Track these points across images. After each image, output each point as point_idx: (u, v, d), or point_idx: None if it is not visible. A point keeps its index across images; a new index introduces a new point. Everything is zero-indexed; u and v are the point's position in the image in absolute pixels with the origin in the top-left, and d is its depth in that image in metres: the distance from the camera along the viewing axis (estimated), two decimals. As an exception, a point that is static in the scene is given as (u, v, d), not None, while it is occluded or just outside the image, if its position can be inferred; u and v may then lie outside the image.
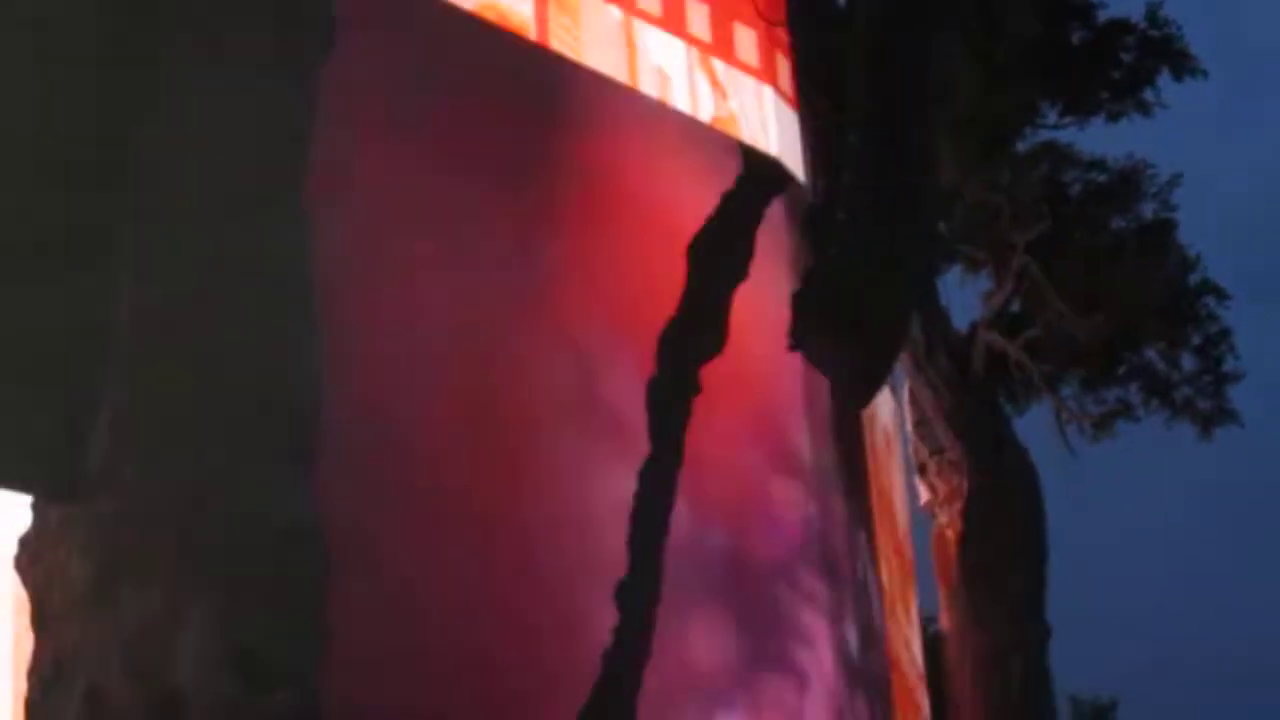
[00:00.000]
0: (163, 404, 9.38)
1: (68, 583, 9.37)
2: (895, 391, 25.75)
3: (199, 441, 9.38)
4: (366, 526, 11.54)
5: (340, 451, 10.45)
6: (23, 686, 9.68)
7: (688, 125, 19.77)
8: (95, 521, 9.35)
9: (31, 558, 9.71)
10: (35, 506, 9.80)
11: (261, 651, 9.17)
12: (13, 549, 10.06)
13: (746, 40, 21.22)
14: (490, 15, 17.84)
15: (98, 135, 9.54)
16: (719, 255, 19.29)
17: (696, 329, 18.77)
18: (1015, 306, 26.87)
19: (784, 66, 21.72)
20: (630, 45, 19.53)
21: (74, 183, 9.39)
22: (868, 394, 21.94)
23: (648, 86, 19.42)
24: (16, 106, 9.21)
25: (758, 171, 20.38)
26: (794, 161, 21.13)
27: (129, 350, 9.35)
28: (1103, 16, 26.52)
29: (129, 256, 9.47)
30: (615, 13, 19.50)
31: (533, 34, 18.42)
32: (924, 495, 26.25)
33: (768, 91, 21.36)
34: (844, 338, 19.94)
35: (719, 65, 20.73)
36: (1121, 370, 27.49)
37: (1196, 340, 27.33)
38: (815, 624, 19.56)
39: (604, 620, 16.96)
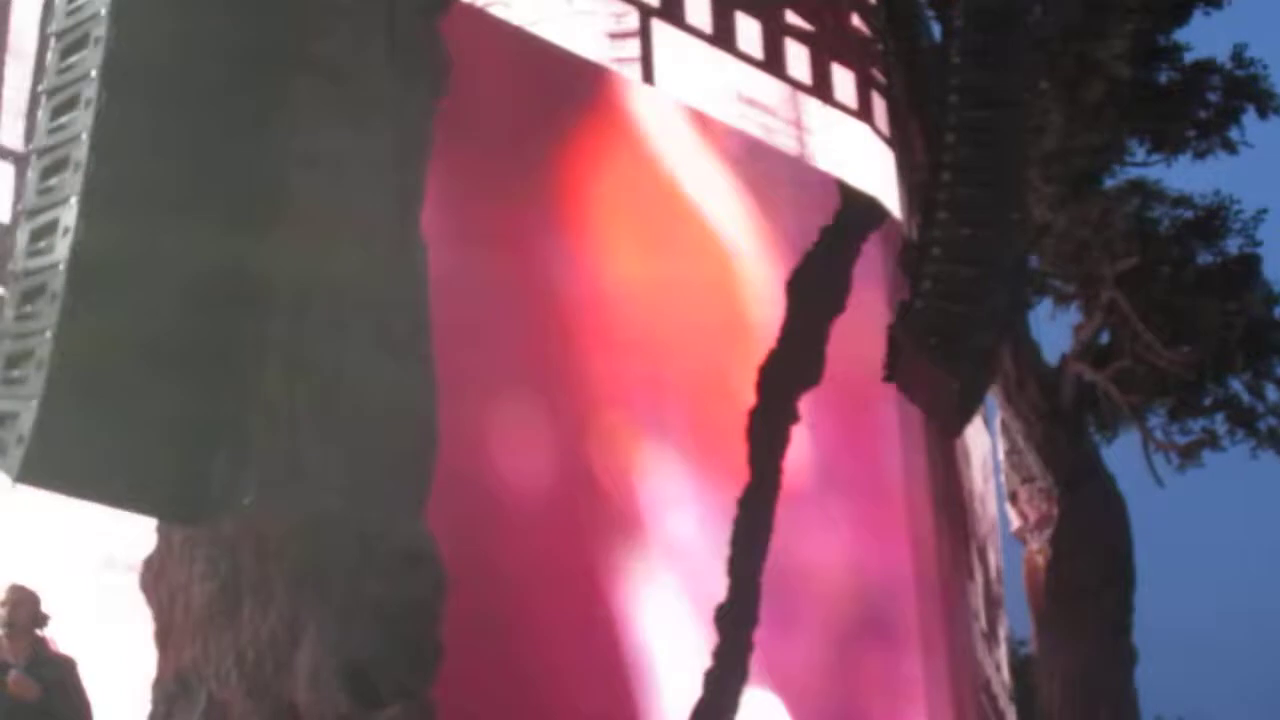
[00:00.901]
0: (285, 431, 9.39)
1: (189, 601, 9.40)
2: (987, 422, 25.69)
3: (320, 467, 9.39)
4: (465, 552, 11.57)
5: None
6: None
7: (790, 163, 19.80)
8: (217, 543, 9.38)
9: (155, 576, 9.75)
10: (159, 528, 9.84)
11: (375, 669, 9.17)
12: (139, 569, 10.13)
13: (844, 81, 21.20)
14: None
15: (236, 173, 9.55)
16: (817, 289, 19.31)
17: (795, 360, 18.78)
18: (1104, 339, 26.73)
19: (880, 106, 21.70)
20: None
21: (210, 214, 9.41)
22: (960, 424, 21.86)
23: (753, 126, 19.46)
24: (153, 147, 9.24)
25: (856, 208, 20.39)
26: (890, 199, 21.10)
27: (253, 377, 9.36)
28: (1189, 57, 26.41)
29: (256, 286, 9.48)
30: (717, 54, 19.55)
31: (639, 75, 18.50)
32: (1015, 522, 26.22)
33: (864, 130, 21.33)
34: (937, 370, 19.85)
35: (816, 105, 20.74)
36: (1207, 401, 27.29)
37: (1280, 372, 27.06)
38: (910, 643, 19.51)
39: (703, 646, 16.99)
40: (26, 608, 10.58)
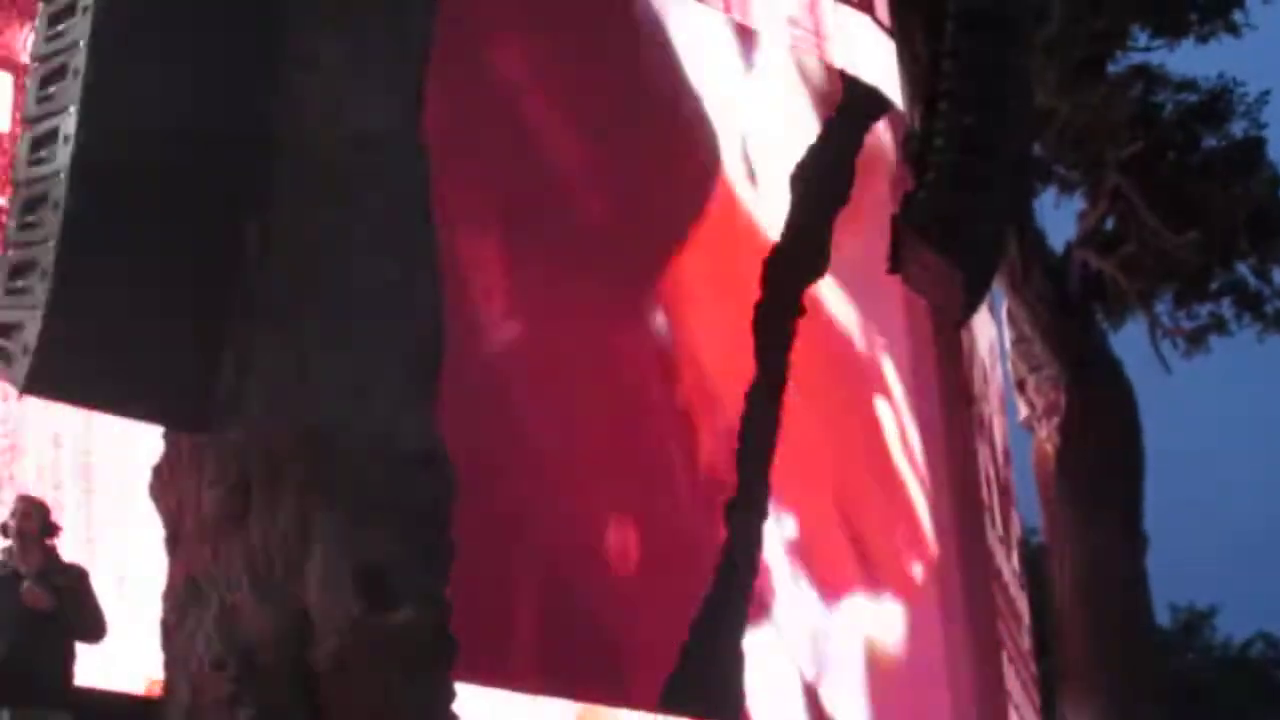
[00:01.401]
0: (290, 337, 9.40)
1: (199, 508, 9.42)
2: (994, 311, 25.70)
3: (326, 373, 9.39)
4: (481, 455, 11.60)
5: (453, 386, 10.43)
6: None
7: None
8: (225, 450, 9.39)
9: (164, 485, 9.76)
10: (166, 436, 9.85)
11: (386, 571, 9.19)
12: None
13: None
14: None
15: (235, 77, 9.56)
16: (821, 180, 19.32)
17: (800, 253, 18.81)
18: (1109, 225, 26.69)
19: (880, -4, 21.68)
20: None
21: (209, 120, 9.40)
22: (967, 313, 21.88)
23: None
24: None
25: (858, 99, 20.36)
26: (892, 89, 21.06)
27: (254, 284, 9.37)
28: (1191, -59, 26.25)
29: (259, 199, 9.48)
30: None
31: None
32: (1023, 411, 26.28)
33: (866, 21, 21.27)
34: (943, 259, 19.86)
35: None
36: (1214, 286, 27.26)
37: (1287, 254, 27.04)
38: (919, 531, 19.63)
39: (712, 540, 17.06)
40: (37, 518, 10.64)
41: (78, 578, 10.58)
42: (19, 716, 10.11)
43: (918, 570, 19.58)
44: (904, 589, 19.43)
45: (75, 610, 10.43)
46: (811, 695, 17.82)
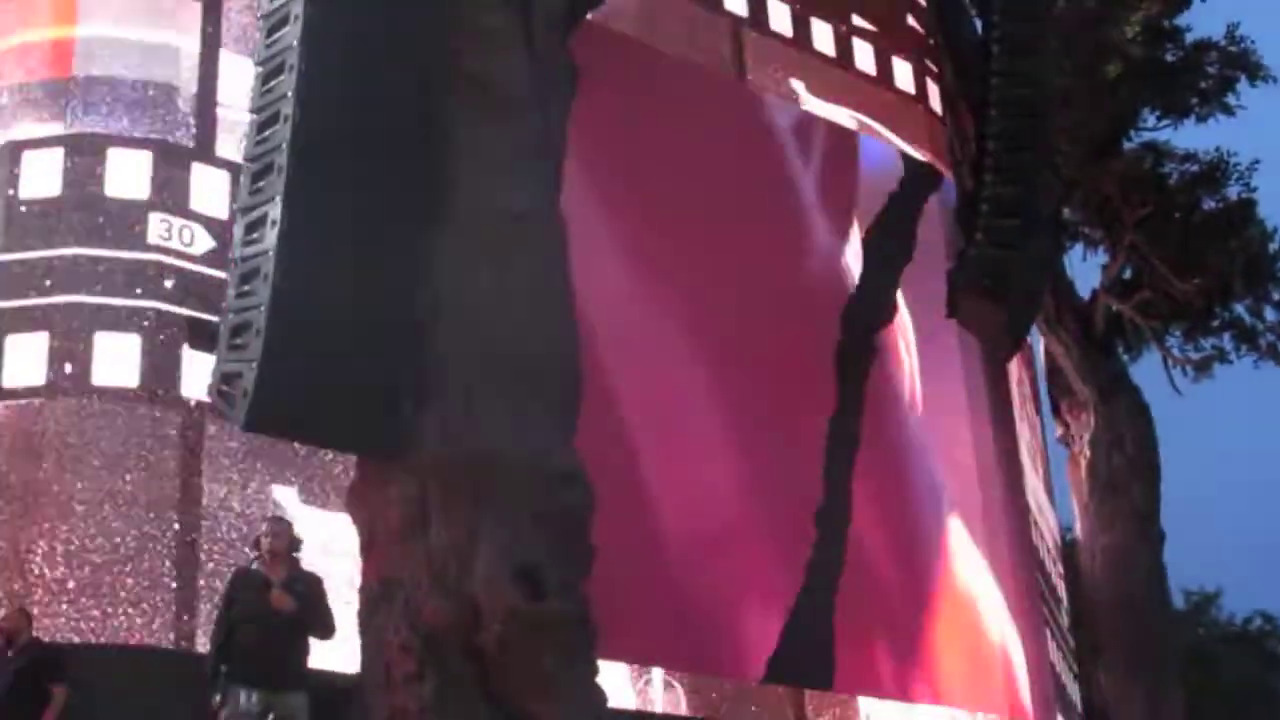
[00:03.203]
0: (460, 373, 9.44)
1: (387, 521, 9.45)
2: (1032, 348, 25.74)
3: (487, 407, 9.42)
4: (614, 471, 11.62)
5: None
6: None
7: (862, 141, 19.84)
8: (408, 472, 9.42)
9: (359, 501, 9.80)
10: (359, 462, 9.91)
11: (539, 569, 9.20)
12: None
13: (904, 71, 21.15)
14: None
15: (410, 169, 9.64)
16: (888, 242, 19.30)
17: (872, 302, 18.77)
18: (1127, 274, 26.72)
19: (934, 90, 21.61)
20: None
21: (389, 205, 9.49)
22: (1013, 349, 21.88)
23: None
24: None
25: (916, 175, 20.34)
26: (943, 166, 21.04)
27: (431, 328, 9.43)
28: (1191, 37, 26.38)
29: (432, 246, 9.56)
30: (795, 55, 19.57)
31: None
32: (1058, 430, 26.36)
33: (921, 111, 21.27)
34: (991, 305, 19.84)
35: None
36: (1216, 323, 27.13)
37: (1276, 296, 26.84)
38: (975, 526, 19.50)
39: (805, 539, 16.99)
40: (285, 536, 10.79)
41: (315, 584, 10.70)
42: (267, 696, 10.24)
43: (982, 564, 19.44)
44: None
45: (313, 611, 10.55)
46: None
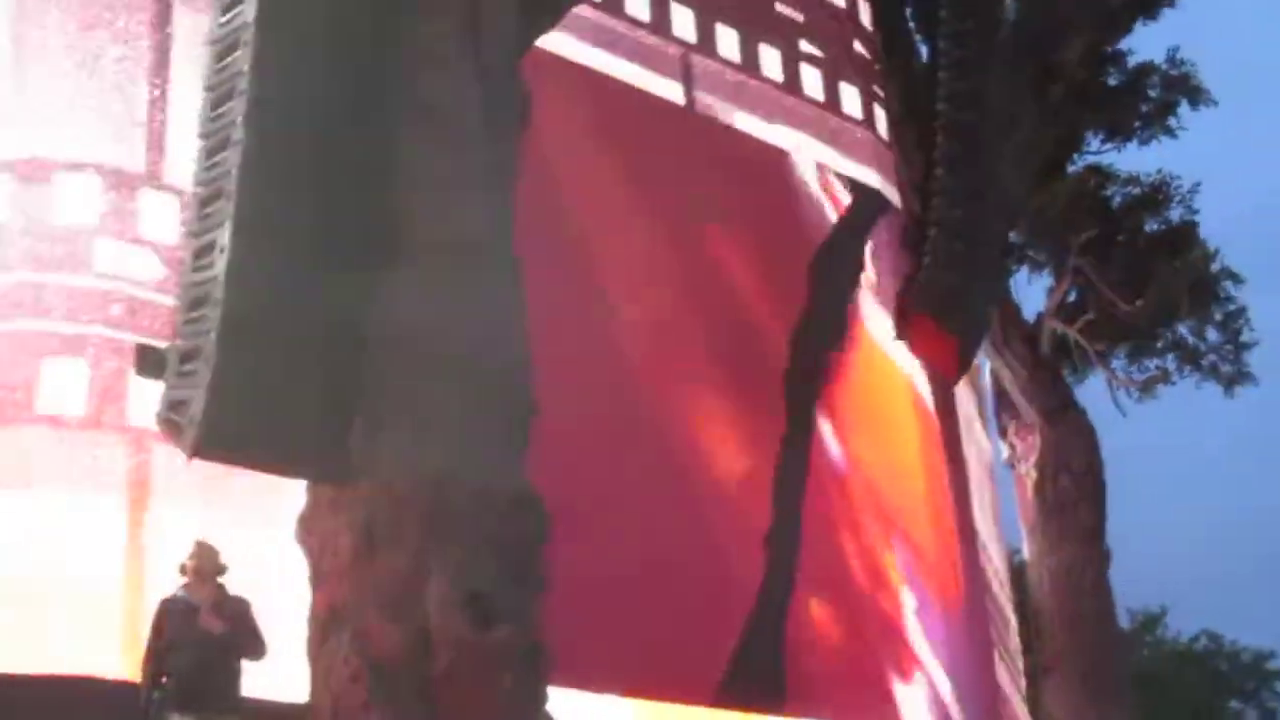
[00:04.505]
0: (410, 400, 9.37)
1: (337, 549, 9.36)
2: (979, 370, 25.81)
3: (437, 435, 9.35)
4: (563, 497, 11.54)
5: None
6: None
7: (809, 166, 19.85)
8: (357, 499, 9.34)
9: (308, 529, 9.72)
10: (308, 489, 9.83)
11: (489, 596, 9.12)
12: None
13: (851, 96, 21.18)
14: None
15: (358, 197, 9.57)
16: (836, 268, 19.33)
17: (821, 327, 18.78)
18: (1073, 297, 26.79)
19: (880, 115, 21.67)
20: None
21: (337, 235, 9.42)
22: (960, 372, 21.93)
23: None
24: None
25: (864, 200, 20.39)
26: (891, 191, 21.08)
27: (381, 355, 9.36)
28: (1133, 61, 26.60)
29: (374, 293, 9.48)
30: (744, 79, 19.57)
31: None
32: (1006, 452, 26.43)
33: (870, 135, 21.31)
34: (939, 329, 19.88)
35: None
36: (1159, 344, 27.31)
37: (1219, 317, 27.06)
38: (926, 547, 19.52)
39: (755, 565, 16.96)
40: (209, 558, 10.73)
41: (243, 608, 10.63)
42: None
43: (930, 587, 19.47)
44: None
45: (243, 632, 10.48)
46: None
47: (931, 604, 19.24)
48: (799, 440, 18.00)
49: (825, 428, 18.50)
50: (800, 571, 17.34)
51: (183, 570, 10.85)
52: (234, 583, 10.90)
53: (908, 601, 18.94)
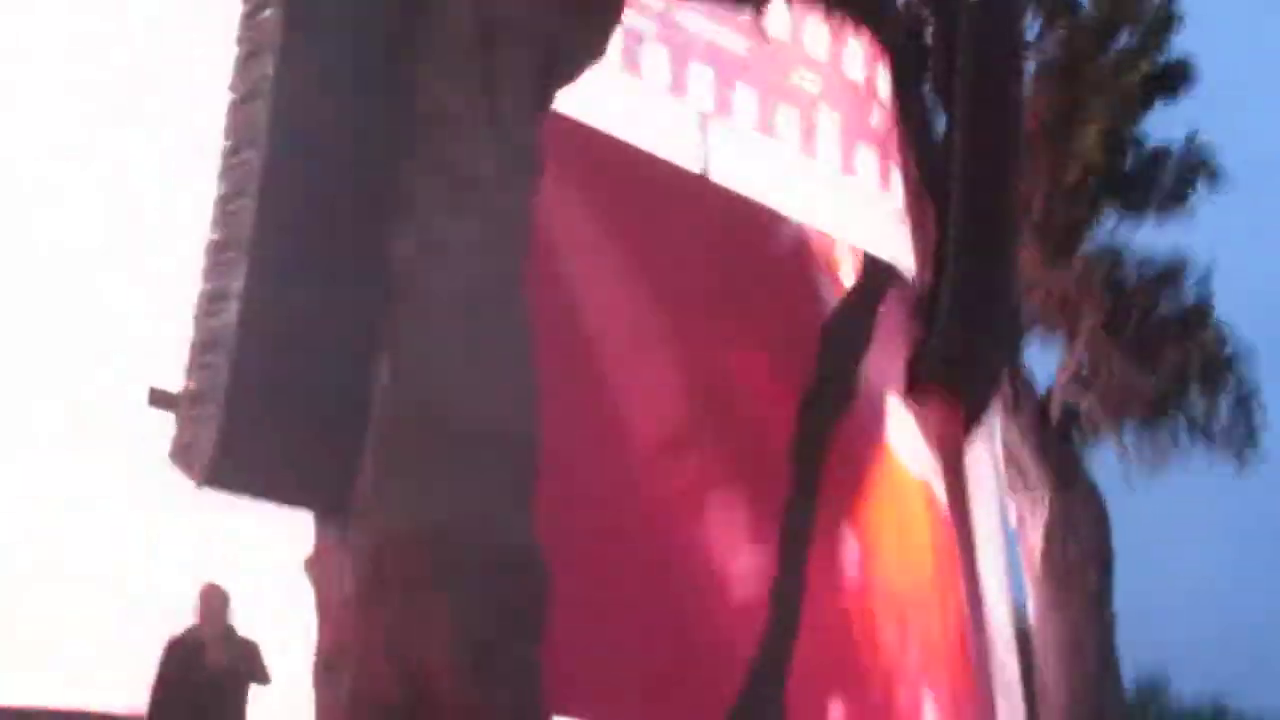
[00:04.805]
0: (416, 448, 9.54)
1: (343, 586, 9.52)
2: (991, 437, 25.82)
3: (443, 484, 9.51)
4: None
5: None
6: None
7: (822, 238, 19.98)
8: (363, 541, 9.50)
9: (317, 565, 9.88)
10: (317, 527, 9.99)
11: (490, 647, 9.27)
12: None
13: (869, 161, 21.30)
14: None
15: (369, 255, 9.76)
16: (846, 335, 19.42)
17: (830, 394, 18.83)
18: (1085, 369, 26.81)
19: (897, 184, 21.76)
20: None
21: (347, 287, 9.61)
22: (968, 430, 21.94)
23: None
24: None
25: (875, 272, 20.48)
26: (903, 261, 21.12)
27: (385, 410, 9.53)
28: (1150, 145, 26.83)
29: (392, 326, 9.68)
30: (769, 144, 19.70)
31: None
32: (1014, 517, 26.35)
33: (887, 208, 21.42)
34: (948, 394, 19.98)
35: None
36: (1171, 420, 27.26)
37: (1231, 396, 27.05)
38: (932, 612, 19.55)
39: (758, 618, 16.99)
40: (218, 599, 10.90)
41: (251, 648, 10.82)
42: None
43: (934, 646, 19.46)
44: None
45: (249, 672, 10.66)
46: None
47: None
48: (805, 503, 18.01)
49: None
50: (804, 620, 17.35)
51: (194, 611, 11.04)
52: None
53: (910, 656, 18.97)
